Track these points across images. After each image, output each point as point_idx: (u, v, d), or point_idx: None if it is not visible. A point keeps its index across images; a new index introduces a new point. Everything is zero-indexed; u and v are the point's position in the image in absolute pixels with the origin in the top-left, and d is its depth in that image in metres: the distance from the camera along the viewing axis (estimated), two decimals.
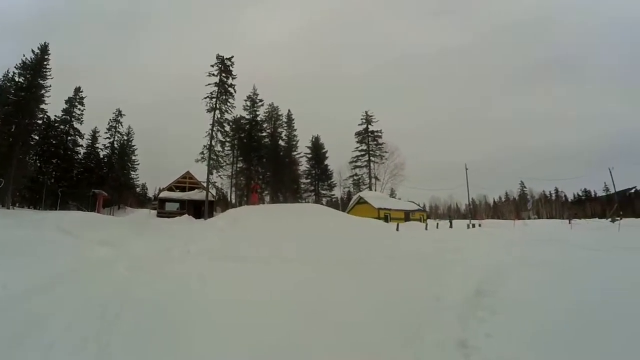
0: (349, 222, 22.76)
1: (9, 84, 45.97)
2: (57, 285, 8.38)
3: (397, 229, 22.62)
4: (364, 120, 68.05)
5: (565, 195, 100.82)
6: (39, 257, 11.68)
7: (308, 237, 16.72)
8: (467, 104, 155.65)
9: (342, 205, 65.38)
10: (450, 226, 32.59)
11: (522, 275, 8.30)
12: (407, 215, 46.99)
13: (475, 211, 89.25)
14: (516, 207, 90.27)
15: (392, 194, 65.43)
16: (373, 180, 64.16)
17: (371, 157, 65.98)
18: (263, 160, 59.16)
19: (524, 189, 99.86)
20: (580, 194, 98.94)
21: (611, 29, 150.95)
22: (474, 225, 37.00)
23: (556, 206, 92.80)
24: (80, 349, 5.33)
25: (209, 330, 6.12)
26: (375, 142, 66.91)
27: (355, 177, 67.60)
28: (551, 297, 6.68)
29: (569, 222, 40.15)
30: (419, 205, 60.01)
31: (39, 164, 54.02)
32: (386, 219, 42.18)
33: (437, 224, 35.47)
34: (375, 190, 60.69)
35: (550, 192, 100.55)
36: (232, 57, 48.87)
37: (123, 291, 8.28)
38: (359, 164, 67.23)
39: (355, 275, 9.62)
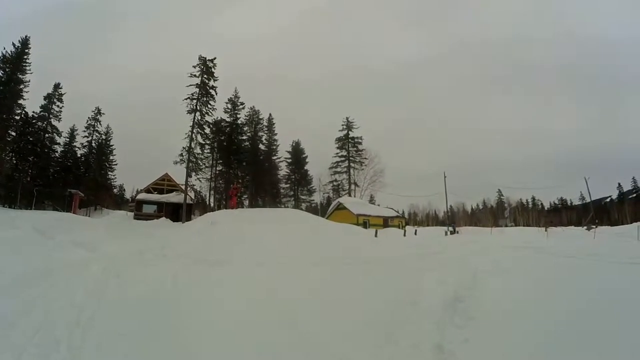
0: (328, 227, 22.77)
1: None
2: (29, 286, 8.34)
3: (376, 235, 22.77)
4: (345, 127, 68.12)
5: (541, 204, 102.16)
6: (11, 257, 11.61)
7: (286, 241, 16.74)
8: (444, 113, 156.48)
9: (321, 210, 65.33)
10: (415, 233, 32.76)
11: (498, 281, 8.40)
12: (386, 222, 47.20)
13: (454, 218, 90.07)
14: (494, 215, 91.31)
15: (372, 200, 65.97)
16: (352, 186, 64.30)
17: (351, 163, 66.12)
18: (243, 163, 58.82)
19: (502, 197, 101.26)
20: (557, 203, 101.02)
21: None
22: (452, 232, 37.47)
23: (533, 214, 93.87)
24: (52, 351, 5.35)
25: (182, 331, 6.17)
26: (355, 149, 66.99)
27: (334, 183, 67.67)
28: (527, 303, 6.78)
29: (545, 230, 40.80)
30: (397, 212, 60.27)
31: (14, 162, 52.20)
32: (365, 225, 42.33)
33: (415, 230, 35.71)
34: (355, 196, 60.88)
35: (527, 200, 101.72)
36: (215, 58, 48.55)
37: (97, 293, 8.28)
38: (338, 169, 67.26)
39: (330, 279, 9.69)
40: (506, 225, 57.05)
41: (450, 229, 44.47)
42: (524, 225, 73.86)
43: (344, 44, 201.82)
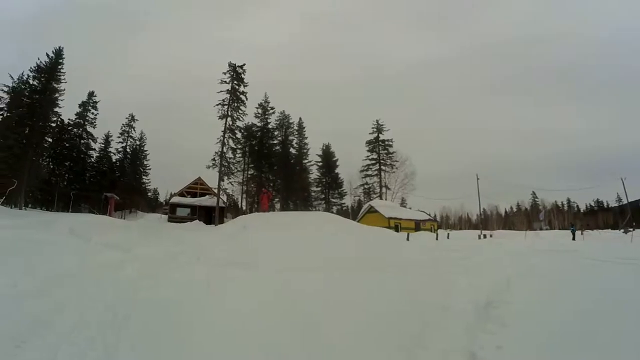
0: (359, 231, 22.67)
1: (23, 87, 46.21)
2: (65, 286, 8.44)
3: (408, 239, 22.48)
4: (375, 129, 67.58)
5: (577, 206, 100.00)
6: (49, 258, 11.76)
7: (316, 244, 16.72)
8: (474, 113, 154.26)
9: (352, 213, 65.12)
10: (448, 237, 32.17)
11: (531, 286, 8.18)
12: (418, 225, 46.69)
13: (487, 222, 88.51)
14: (528, 217, 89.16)
15: (403, 204, 65.16)
16: (384, 189, 63.77)
17: (382, 166, 65.57)
18: (274, 167, 59.44)
19: (536, 200, 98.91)
20: (593, 205, 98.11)
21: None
22: (485, 236, 36.80)
23: (568, 217, 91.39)
24: (88, 349, 5.42)
25: (213, 333, 6.18)
26: (386, 151, 66.39)
27: (365, 186, 67.22)
28: (563, 309, 6.53)
29: (581, 233, 39.78)
30: (429, 215, 59.53)
31: (52, 166, 54.75)
32: (396, 228, 41.91)
33: (448, 234, 35.14)
34: (386, 199, 60.28)
35: (562, 202, 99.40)
36: (244, 65, 49.11)
37: (131, 294, 8.37)
38: (369, 172, 66.78)
39: (361, 283, 9.55)
40: (541, 229, 55.34)
41: (485, 233, 43.73)
42: (559, 228, 72.24)
43: (358, 46, 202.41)
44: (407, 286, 9.03)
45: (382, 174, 65.30)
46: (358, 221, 45.90)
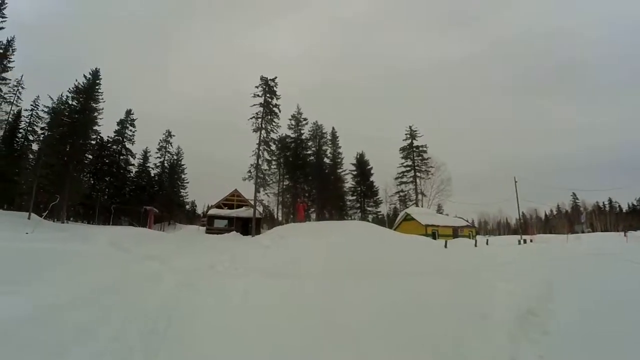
0: (395, 239, 22.43)
1: (62, 107, 47.97)
2: (106, 296, 8.64)
3: (446, 246, 22.09)
4: (408, 135, 66.89)
5: (619, 206, 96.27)
6: (91, 270, 12.09)
7: (352, 253, 16.61)
8: (506, 113, 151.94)
9: (388, 221, 64.56)
10: (487, 243, 31.44)
11: (575, 293, 7.97)
12: (456, 232, 45.86)
13: (526, 226, 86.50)
14: (569, 220, 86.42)
15: (439, 210, 64.24)
16: (419, 196, 62.84)
17: (417, 173, 64.68)
18: (309, 178, 59.68)
19: (576, 201, 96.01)
20: (636, 204, 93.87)
21: None
22: (525, 241, 36.01)
23: (610, 218, 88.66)
24: (129, 358, 5.55)
25: (251, 343, 6.24)
26: (420, 157, 65.52)
27: (401, 193, 66.37)
28: (607, 316, 6.36)
29: (624, 235, 38.52)
30: (467, 221, 58.43)
31: (92, 182, 56.93)
32: (434, 235, 41.38)
33: (487, 240, 34.51)
34: (422, 206, 59.43)
35: (603, 202, 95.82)
36: (275, 78, 49.62)
37: (170, 304, 8.52)
38: (404, 179, 65.94)
39: (397, 292, 9.43)
40: (582, 231, 53.81)
41: (525, 237, 42.75)
42: (601, 230, 70.13)
43: (383, 50, 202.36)
44: (445, 294, 8.92)
45: (418, 180, 64.36)
46: (394, 229, 45.55)
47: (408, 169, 65.74)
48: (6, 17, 38.24)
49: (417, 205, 59.18)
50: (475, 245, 24.46)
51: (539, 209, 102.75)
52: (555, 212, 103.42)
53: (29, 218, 34.33)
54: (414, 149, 65.93)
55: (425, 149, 65.66)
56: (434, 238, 37.46)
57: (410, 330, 6.54)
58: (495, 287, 9.10)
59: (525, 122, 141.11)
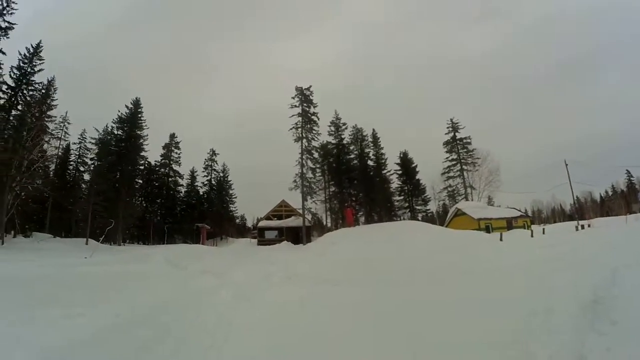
0: (447, 236, 21.92)
1: (109, 137, 51.29)
2: (165, 313, 8.79)
3: (501, 239, 21.34)
4: (450, 129, 65.21)
5: None
6: (148, 288, 12.39)
7: (405, 254, 16.39)
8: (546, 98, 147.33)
9: (438, 219, 63.65)
10: (543, 232, 30.15)
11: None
12: (510, 223, 44.25)
13: (582, 210, 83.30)
14: (625, 200, 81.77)
15: (490, 202, 61.70)
16: (468, 190, 61.09)
17: (463, 166, 62.85)
18: (354, 182, 59.48)
19: (631, 179, 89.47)
20: None
21: None
22: (582, 227, 34.65)
23: None
24: None
25: (313, 353, 6.15)
26: (465, 150, 63.71)
27: (449, 189, 64.57)
28: None
29: None
30: (520, 211, 56.29)
31: (144, 204, 59.39)
32: (487, 229, 40.24)
33: (543, 229, 33.39)
34: (472, 199, 57.70)
35: None
36: (310, 86, 50.63)
37: (228, 318, 8.58)
38: (451, 174, 64.13)
39: (454, 291, 9.27)
40: None
41: (582, 223, 41.10)
42: None
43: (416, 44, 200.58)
44: (505, 289, 8.68)
45: (465, 173, 62.57)
46: (446, 226, 44.84)
47: (454, 162, 64.08)
48: (44, 59, 39.59)
49: (466, 200, 57.48)
50: (532, 236, 23.58)
51: (594, 191, 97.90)
52: (610, 193, 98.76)
53: (86, 243, 35.95)
54: (458, 141, 64.28)
55: (469, 140, 64.09)
56: (488, 232, 36.44)
57: (474, 330, 6.38)
58: (557, 278, 8.67)
59: (567, 102, 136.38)
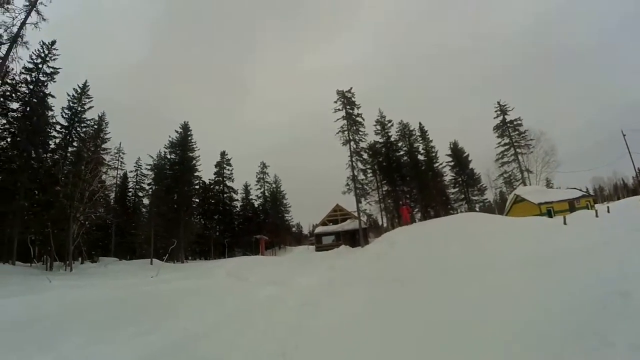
0: (509, 225, 21.11)
1: (163, 162, 54.72)
2: (233, 324, 9.03)
3: (565, 222, 20.45)
4: (499, 112, 62.36)
5: None
6: (215, 301, 12.70)
7: (468, 248, 15.94)
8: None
9: (497, 208, 62.08)
10: (608, 210, 28.42)
11: None
12: (572, 205, 41.96)
13: None
14: None
15: (549, 184, 59.61)
16: (525, 174, 58.28)
17: (517, 149, 59.88)
18: (406, 178, 58.68)
19: None
20: None
21: None
22: None
23: None
24: None
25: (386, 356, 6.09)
26: (517, 132, 60.69)
27: (505, 175, 61.80)
28: None
29: None
30: (582, 190, 53.35)
31: (203, 222, 62.05)
32: (549, 213, 38.61)
33: (608, 207, 32.01)
34: (530, 184, 55.01)
35: None
36: (351, 88, 50.89)
37: (296, 325, 8.66)
38: (505, 159, 61.31)
39: (524, 281, 8.87)
40: None
41: None
42: None
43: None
44: (578, 275, 8.12)
45: (520, 157, 59.57)
46: (506, 214, 43.57)
47: (507, 147, 61.38)
48: (92, 97, 42.22)
49: (524, 184, 54.99)
50: (597, 216, 22.54)
51: None
52: None
53: (151, 263, 37.53)
54: (508, 124, 61.61)
55: (520, 121, 61.12)
56: (550, 216, 35.11)
57: (551, 321, 6.06)
58: (632, 260, 8.18)
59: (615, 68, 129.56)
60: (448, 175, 66.03)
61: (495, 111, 62.99)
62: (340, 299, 11.36)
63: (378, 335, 7.27)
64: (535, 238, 15.68)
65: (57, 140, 38.42)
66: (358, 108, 50.62)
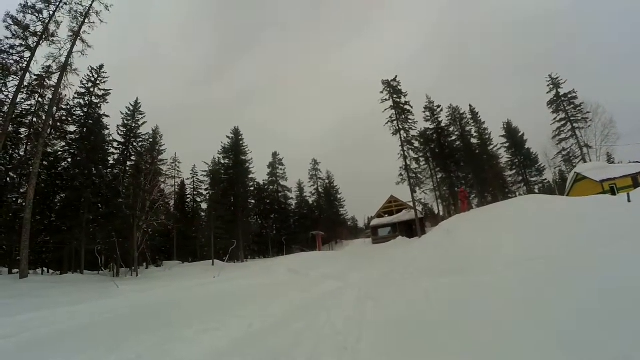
0: (571, 206, 20.05)
1: (218, 167, 57.01)
2: (296, 319, 9.14)
3: (629, 200, 19.14)
4: (552, 86, 59.27)
5: None
6: (276, 298, 12.95)
7: (529, 233, 15.18)
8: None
9: (557, 188, 59.89)
10: None
11: None
12: (636, 180, 38.92)
13: None
14: None
15: (610, 160, 56.78)
16: (584, 150, 55.12)
17: (574, 124, 56.73)
18: (460, 164, 57.73)
19: None
20: None
21: None
22: None
23: None
24: None
25: (448, 348, 5.98)
26: (572, 106, 57.29)
27: (563, 153, 58.71)
28: None
29: None
30: None
31: (260, 221, 64.67)
32: (612, 190, 36.75)
33: None
34: (590, 160, 51.48)
35: None
36: (396, 77, 50.45)
37: (357, 318, 8.71)
38: (562, 136, 58.30)
39: (588, 267, 8.15)
40: None
41: None
42: None
43: None
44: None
45: (577, 132, 56.41)
46: (567, 194, 41.76)
47: (563, 122, 58.37)
48: (144, 113, 45.06)
49: (584, 162, 51.65)
50: None
51: None
52: None
53: (212, 264, 39.46)
54: (562, 98, 58.47)
55: (574, 94, 57.62)
56: (614, 194, 33.52)
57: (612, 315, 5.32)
58: None
59: None
60: (504, 158, 64.57)
61: (548, 85, 60.15)
62: (398, 291, 11.35)
63: (437, 325, 7.11)
64: (597, 220, 14.70)
65: (116, 156, 41.19)
66: (405, 96, 50.27)
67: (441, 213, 59.55)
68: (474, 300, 8.41)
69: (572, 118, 57.54)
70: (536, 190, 60.70)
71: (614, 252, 8.53)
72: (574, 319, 5.41)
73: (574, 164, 54.39)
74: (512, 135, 64.93)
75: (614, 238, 9.96)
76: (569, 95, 58.27)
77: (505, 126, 66.06)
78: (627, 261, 7.42)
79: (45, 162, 33.06)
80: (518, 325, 5.94)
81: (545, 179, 65.62)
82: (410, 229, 47.84)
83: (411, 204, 49.13)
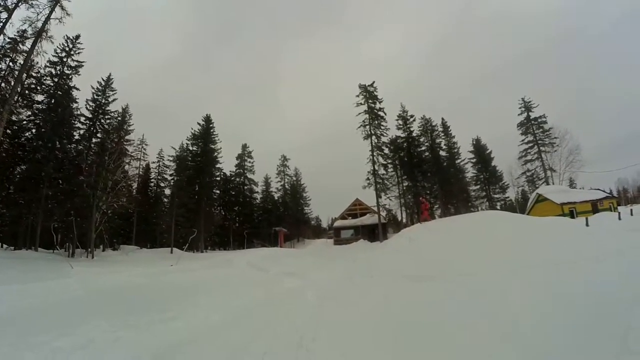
0: (531, 225, 20.62)
1: (185, 154, 55.65)
2: (254, 314, 9.18)
3: (587, 224, 20.01)
4: (523, 109, 61.05)
5: None
6: (236, 291, 12.89)
7: (488, 247, 15.53)
8: None
9: (518, 207, 61.34)
10: (631, 213, 27.65)
11: None
12: (595, 206, 40.87)
13: None
14: None
15: (572, 185, 58.56)
16: (549, 173, 57.01)
17: (540, 148, 58.55)
18: (427, 174, 58.36)
19: None
20: None
21: None
22: None
23: None
24: None
25: (403, 349, 6.09)
26: (541, 130, 59.21)
27: (527, 173, 60.69)
28: None
29: None
30: (605, 191, 52.25)
31: (223, 213, 64.14)
32: (572, 214, 38.08)
33: (631, 210, 31.28)
34: (553, 183, 53.61)
35: None
36: (373, 82, 51.15)
37: (315, 317, 8.74)
38: (528, 157, 60.16)
39: (542, 282, 8.58)
40: None
41: None
42: None
43: None
44: (605, 279, 7.88)
45: (543, 155, 58.28)
46: (527, 213, 42.82)
47: (530, 145, 60.23)
48: (115, 90, 43.40)
49: (547, 184, 53.60)
50: (619, 218, 22.14)
51: None
52: None
53: (171, 252, 39.13)
54: (532, 121, 60.30)
55: (544, 119, 59.71)
56: (572, 217, 34.69)
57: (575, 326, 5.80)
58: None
59: None
60: (470, 172, 65.82)
61: (520, 107, 61.89)
62: (359, 293, 11.44)
63: (394, 327, 7.33)
64: (557, 239, 15.25)
65: (82, 132, 39.74)
66: (380, 102, 50.77)
67: (404, 220, 60.19)
68: (430, 304, 8.61)
69: (539, 141, 59.18)
70: (498, 207, 61.89)
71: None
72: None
73: (537, 185, 56.33)
74: (480, 152, 66.01)
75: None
76: (539, 119, 59.95)
77: (474, 142, 67.16)
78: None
79: (8, 131, 31.88)
80: (462, 327, 6.55)
81: (508, 197, 67.28)
82: (373, 233, 48.20)
83: (375, 209, 49.58)
